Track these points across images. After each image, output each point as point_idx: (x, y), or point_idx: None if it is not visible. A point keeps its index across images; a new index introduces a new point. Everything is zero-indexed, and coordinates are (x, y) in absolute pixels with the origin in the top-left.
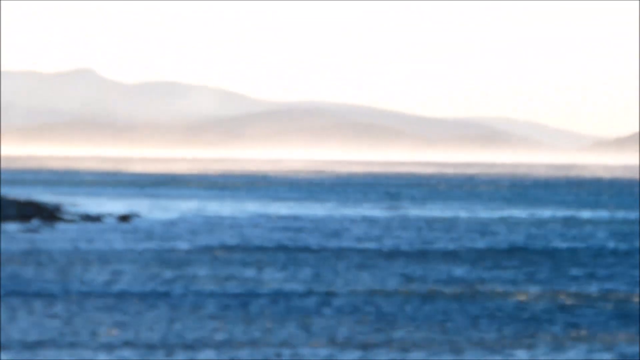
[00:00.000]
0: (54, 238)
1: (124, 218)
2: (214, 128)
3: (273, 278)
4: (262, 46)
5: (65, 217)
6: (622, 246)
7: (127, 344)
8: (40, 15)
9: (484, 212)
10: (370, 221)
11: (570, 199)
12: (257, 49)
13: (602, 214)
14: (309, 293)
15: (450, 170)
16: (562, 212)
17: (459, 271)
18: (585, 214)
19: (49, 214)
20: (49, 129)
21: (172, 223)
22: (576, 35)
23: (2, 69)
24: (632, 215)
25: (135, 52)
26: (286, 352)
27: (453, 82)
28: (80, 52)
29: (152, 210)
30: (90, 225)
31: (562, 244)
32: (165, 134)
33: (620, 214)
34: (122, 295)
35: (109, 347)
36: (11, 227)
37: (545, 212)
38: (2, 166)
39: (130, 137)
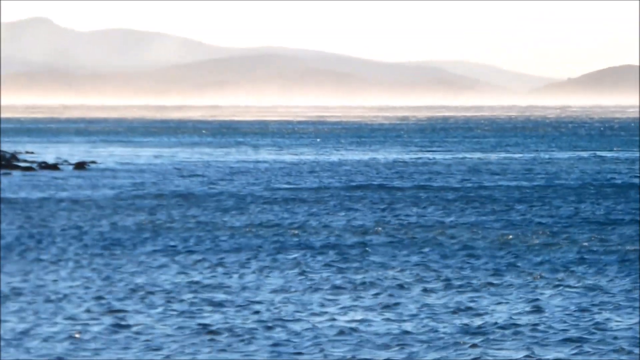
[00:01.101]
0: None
1: (80, 166)
2: (177, 76)
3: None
4: None
5: (22, 165)
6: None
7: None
8: None
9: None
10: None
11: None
12: None
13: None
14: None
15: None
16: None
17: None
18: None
19: (7, 162)
20: (8, 78)
21: (126, 170)
22: None
23: None
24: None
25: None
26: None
27: (408, 26)
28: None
29: (108, 158)
30: (47, 173)
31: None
32: (128, 82)
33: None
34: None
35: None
36: None
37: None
38: None
39: (90, 86)
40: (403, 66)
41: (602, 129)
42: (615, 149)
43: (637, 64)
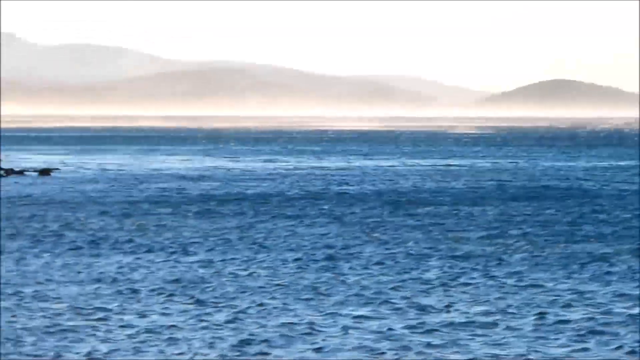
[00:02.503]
0: None
1: (45, 172)
2: (129, 87)
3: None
4: (173, 8)
5: None
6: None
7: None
8: None
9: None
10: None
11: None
12: (168, 11)
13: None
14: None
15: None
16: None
17: None
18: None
19: None
20: None
21: (87, 179)
22: None
23: None
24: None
25: (54, 15)
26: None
27: (342, 39)
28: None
29: (71, 165)
30: (13, 179)
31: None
32: (91, 94)
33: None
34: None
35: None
36: None
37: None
38: None
39: (46, 97)
40: (344, 80)
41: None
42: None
43: (567, 78)
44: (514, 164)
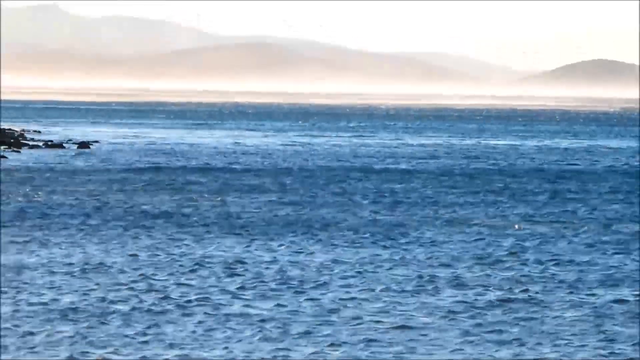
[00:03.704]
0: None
1: (83, 145)
2: (186, 61)
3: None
4: None
5: (30, 143)
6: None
7: None
8: None
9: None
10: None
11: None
12: None
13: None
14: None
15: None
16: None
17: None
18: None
19: (15, 141)
20: (19, 60)
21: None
22: None
23: None
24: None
25: None
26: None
27: (390, 17)
28: None
29: (111, 138)
30: (52, 151)
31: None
32: (143, 66)
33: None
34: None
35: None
36: None
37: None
38: None
39: (106, 69)
40: (388, 57)
41: None
42: None
43: (608, 59)
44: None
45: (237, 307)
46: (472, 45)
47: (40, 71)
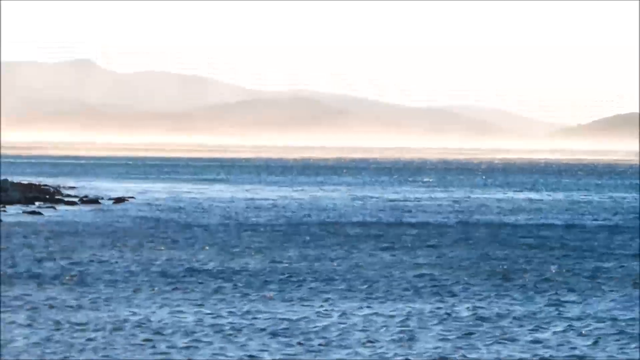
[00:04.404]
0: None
1: (119, 200)
2: (215, 115)
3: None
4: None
5: (66, 199)
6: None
7: None
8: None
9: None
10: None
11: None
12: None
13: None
14: None
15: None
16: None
17: None
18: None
19: (51, 197)
20: (49, 117)
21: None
22: (538, 33)
23: (2, 60)
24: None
25: (128, 43)
26: None
27: (425, 73)
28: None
29: (144, 193)
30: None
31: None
32: (179, 121)
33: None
34: None
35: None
36: (14, 209)
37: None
38: (4, 154)
39: (134, 125)
40: (425, 111)
41: None
42: None
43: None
44: None
45: None
46: (513, 100)
47: (82, 127)
